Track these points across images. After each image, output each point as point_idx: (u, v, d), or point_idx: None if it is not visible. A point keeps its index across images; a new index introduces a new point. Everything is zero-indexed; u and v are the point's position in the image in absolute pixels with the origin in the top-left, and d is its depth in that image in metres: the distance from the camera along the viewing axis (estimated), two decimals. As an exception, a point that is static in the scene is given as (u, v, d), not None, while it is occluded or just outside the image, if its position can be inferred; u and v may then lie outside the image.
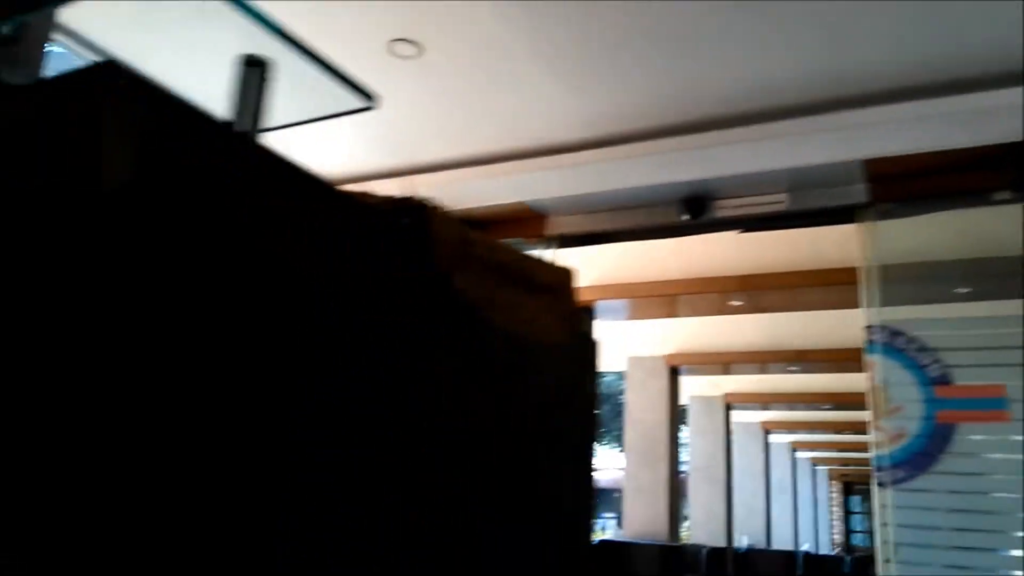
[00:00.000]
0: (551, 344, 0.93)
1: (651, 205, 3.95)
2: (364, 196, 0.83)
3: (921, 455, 3.36)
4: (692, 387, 9.78)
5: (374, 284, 0.78)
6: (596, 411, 1.16)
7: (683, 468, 9.14)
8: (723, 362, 8.19)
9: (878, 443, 3.46)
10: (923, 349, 3.45)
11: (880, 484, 3.42)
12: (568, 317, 0.98)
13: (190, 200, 0.63)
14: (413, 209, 0.80)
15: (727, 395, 10.20)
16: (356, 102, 1.21)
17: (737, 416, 11.16)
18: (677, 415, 8.20)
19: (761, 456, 12.45)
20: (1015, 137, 3.10)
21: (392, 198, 0.84)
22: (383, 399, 0.76)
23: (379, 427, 0.74)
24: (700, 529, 9.69)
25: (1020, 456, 3.19)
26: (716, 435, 10.15)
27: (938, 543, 3.29)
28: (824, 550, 15.55)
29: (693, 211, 3.87)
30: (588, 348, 1.14)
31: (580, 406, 1.11)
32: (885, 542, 3.34)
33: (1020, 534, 3.13)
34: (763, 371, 8.88)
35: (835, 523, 17.75)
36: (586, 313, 1.04)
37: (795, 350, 7.45)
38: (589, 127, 3.49)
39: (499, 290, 0.88)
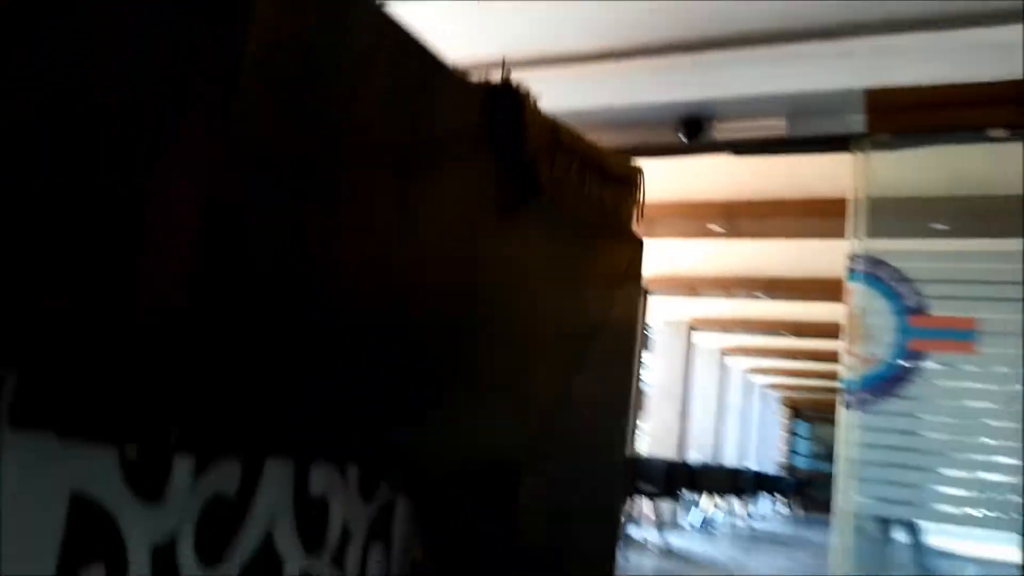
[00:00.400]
0: (620, 235, 0.96)
1: (649, 124, 3.94)
2: (465, 75, 0.84)
3: (889, 380, 3.51)
4: (658, 308, 9.98)
5: (469, 159, 0.80)
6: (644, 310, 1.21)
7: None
8: (693, 286, 8.35)
9: (850, 367, 3.61)
10: (902, 280, 3.56)
11: (847, 406, 3.57)
12: (636, 211, 1.01)
13: (318, 67, 0.63)
14: (511, 93, 0.81)
15: (692, 319, 10.44)
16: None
17: (698, 339, 11.47)
18: (643, 335, 8.39)
19: (717, 379, 12.89)
20: (1017, 75, 3.14)
21: (491, 83, 0.85)
22: (451, 263, 0.78)
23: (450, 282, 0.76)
24: (657, 443, 10.11)
25: (983, 385, 3.37)
26: (677, 357, 10.46)
27: (897, 462, 3.49)
28: (768, 470, 16.32)
29: (691, 132, 3.87)
30: (639, 247, 1.18)
31: (632, 304, 1.15)
32: (848, 460, 3.52)
33: (976, 456, 3.34)
34: (729, 296, 9.08)
35: (781, 446, 18.55)
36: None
37: (765, 278, 7.62)
38: (592, 38, 3.45)
39: (580, 176, 0.91)
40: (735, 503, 11.07)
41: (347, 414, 0.58)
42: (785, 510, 14.34)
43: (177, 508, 0.67)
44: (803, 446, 19.30)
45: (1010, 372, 3.29)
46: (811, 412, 19.07)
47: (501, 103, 0.82)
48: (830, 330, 9.43)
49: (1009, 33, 2.96)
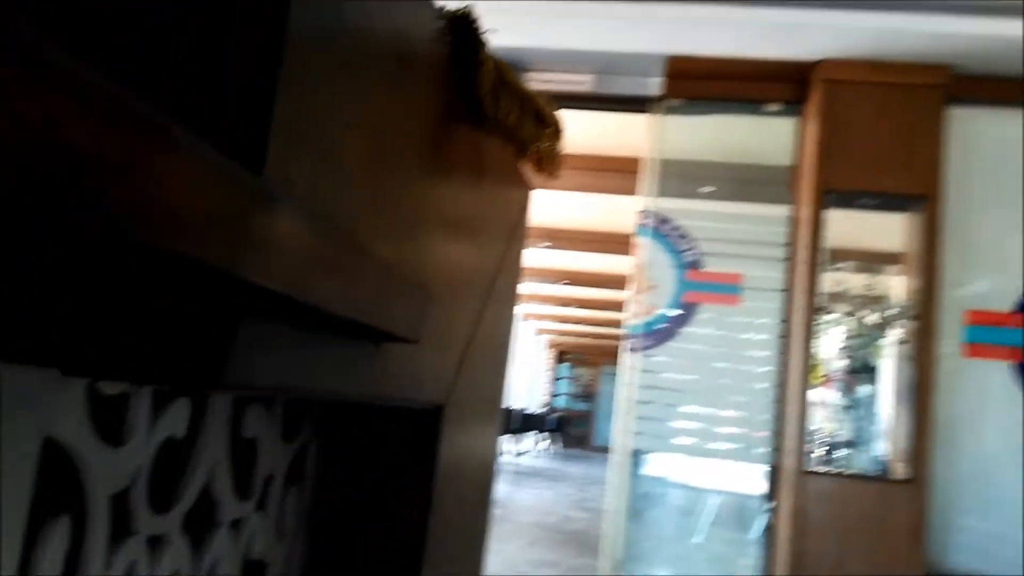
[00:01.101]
0: (520, 180, 0.94)
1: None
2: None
3: (667, 328, 3.84)
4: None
5: (417, 86, 0.74)
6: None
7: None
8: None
9: (634, 314, 3.89)
10: (683, 236, 3.88)
11: (631, 350, 3.86)
12: (557, 159, 1.00)
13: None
14: (471, 25, 0.76)
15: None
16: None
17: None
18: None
19: (494, 323, 13.34)
20: (807, 56, 3.51)
21: (453, 12, 0.79)
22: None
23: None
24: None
25: (745, 335, 3.79)
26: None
27: (670, 401, 3.84)
28: (534, 408, 17.33)
29: (502, 78, 3.90)
30: (529, 194, 1.18)
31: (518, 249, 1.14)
32: (628, 399, 3.82)
33: (736, 398, 3.76)
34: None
35: (546, 385, 19.72)
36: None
37: (548, 228, 7.94)
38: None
39: (521, 118, 0.87)
40: (504, 441, 11.67)
41: (283, 355, 0.51)
42: (547, 446, 15.35)
43: (135, 452, 0.58)
44: (564, 387, 20.72)
45: (769, 323, 3.73)
46: (573, 356, 20.49)
47: (462, 34, 0.76)
48: (600, 280, 10.14)
49: (795, 15, 3.28)
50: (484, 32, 0.81)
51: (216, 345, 0.44)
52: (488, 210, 1.00)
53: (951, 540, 3.34)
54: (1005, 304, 3.47)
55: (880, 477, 3.55)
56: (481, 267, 0.98)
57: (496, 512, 6.27)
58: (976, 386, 3.43)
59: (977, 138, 3.57)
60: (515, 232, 1.11)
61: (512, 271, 1.11)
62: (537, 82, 3.96)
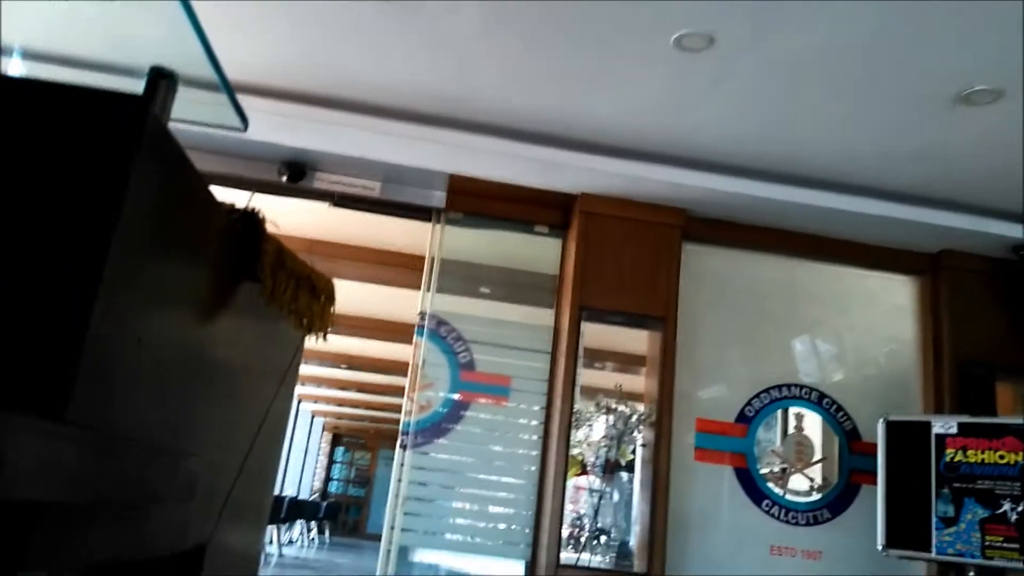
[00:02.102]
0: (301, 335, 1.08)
1: (255, 159, 3.97)
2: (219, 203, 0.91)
3: (439, 425, 4.02)
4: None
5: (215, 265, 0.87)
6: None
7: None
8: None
9: (408, 411, 4.04)
10: (459, 339, 4.13)
11: (403, 446, 3.99)
12: (327, 320, 1.15)
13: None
14: (254, 220, 0.89)
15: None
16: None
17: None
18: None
19: (268, 404, 12.82)
20: (570, 189, 3.97)
21: (238, 209, 0.93)
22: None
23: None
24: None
25: (511, 433, 4.06)
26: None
27: (431, 496, 3.99)
28: (305, 494, 16.63)
29: (293, 175, 4.00)
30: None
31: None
32: (396, 495, 3.92)
33: (499, 494, 3.98)
34: (291, 325, 9.21)
35: (319, 471, 19.03)
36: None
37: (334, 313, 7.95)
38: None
39: (296, 291, 1.01)
40: (271, 531, 11.09)
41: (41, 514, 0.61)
42: (316, 535, 14.75)
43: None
44: (339, 471, 20.13)
45: (533, 423, 4.04)
46: (350, 439, 20.05)
47: (246, 226, 0.90)
48: (380, 365, 10.20)
49: (559, 155, 3.73)
50: (266, 225, 0.96)
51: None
52: (265, 359, 1.13)
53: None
54: (729, 415, 4.03)
55: (623, 571, 3.90)
56: (257, 404, 1.10)
57: (256, 612, 5.96)
58: (705, 486, 3.92)
59: (707, 271, 4.19)
60: (288, 373, 1.24)
61: (285, 401, 1.23)
62: (328, 183, 4.11)
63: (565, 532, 4.21)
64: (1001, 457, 3.25)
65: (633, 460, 4.29)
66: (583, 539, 4.42)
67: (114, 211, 0.65)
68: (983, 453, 3.29)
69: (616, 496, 4.46)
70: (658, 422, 3.80)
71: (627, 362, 6.35)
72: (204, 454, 0.84)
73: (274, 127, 3.73)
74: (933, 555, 3.30)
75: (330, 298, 1.23)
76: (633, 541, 4.03)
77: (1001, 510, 3.19)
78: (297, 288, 1.07)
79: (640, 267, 3.95)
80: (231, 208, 0.92)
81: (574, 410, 3.85)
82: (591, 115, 3.48)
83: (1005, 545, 3.17)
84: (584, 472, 4.62)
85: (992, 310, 4.10)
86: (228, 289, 0.93)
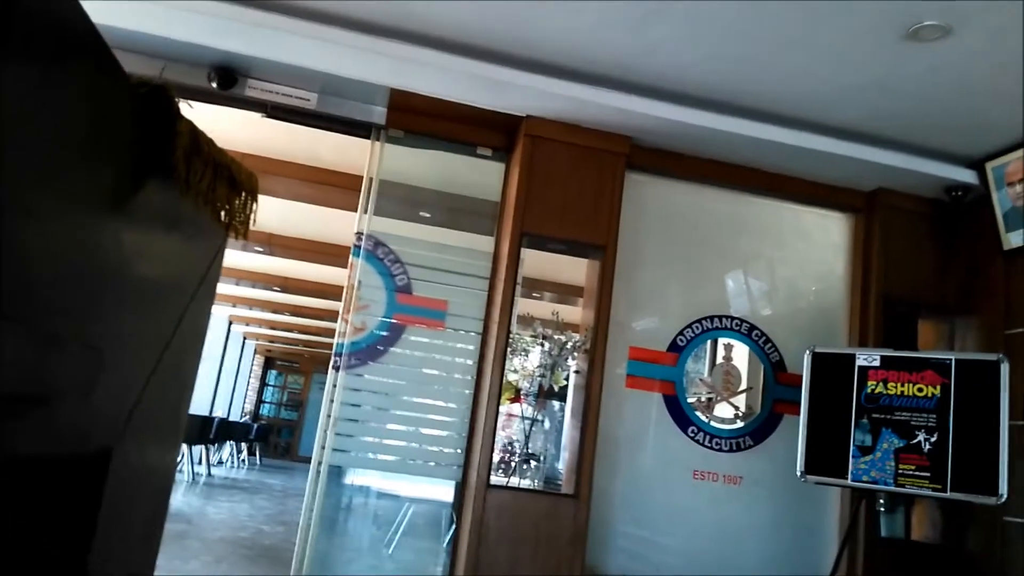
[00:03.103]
0: (219, 232, 1.00)
1: (184, 63, 3.73)
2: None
3: (374, 348, 3.97)
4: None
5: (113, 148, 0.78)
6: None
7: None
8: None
9: (342, 333, 3.97)
10: (396, 261, 4.05)
11: (335, 367, 3.93)
12: (249, 215, 1.07)
13: None
14: (167, 100, 0.80)
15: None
16: None
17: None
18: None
19: (198, 325, 12.56)
20: (515, 111, 3.86)
21: (146, 84, 0.83)
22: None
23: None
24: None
25: (446, 357, 4.04)
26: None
27: (364, 418, 3.97)
28: (235, 416, 16.51)
29: (223, 82, 3.79)
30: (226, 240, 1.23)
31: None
32: (328, 416, 3.88)
33: (432, 416, 3.98)
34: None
35: (251, 394, 18.87)
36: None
37: (267, 233, 7.73)
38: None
39: (215, 183, 0.92)
40: (200, 451, 10.98)
41: None
42: (247, 457, 14.70)
43: None
44: (271, 394, 20.00)
45: (469, 348, 4.02)
46: (283, 362, 19.88)
47: (155, 107, 0.81)
48: (315, 288, 10.03)
49: (505, 73, 3.61)
50: (177, 105, 0.87)
51: None
52: (179, 262, 1.05)
53: (609, 545, 3.85)
54: (662, 344, 4.09)
55: (550, 491, 3.99)
56: (171, 311, 1.02)
57: (182, 528, 5.93)
58: (634, 413, 4.00)
59: (649, 201, 4.18)
60: (206, 279, 1.16)
61: (203, 309, 1.16)
62: (261, 92, 3.90)
63: (497, 457, 4.26)
64: (920, 390, 3.39)
65: (566, 387, 4.34)
66: (514, 464, 4.49)
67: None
68: (903, 386, 3.43)
69: (548, 423, 4.53)
70: (592, 349, 3.83)
71: (566, 292, 6.39)
72: (107, 355, 0.77)
73: (203, 28, 3.50)
74: (848, 481, 3.46)
75: (252, 193, 1.14)
76: (562, 465, 4.11)
77: (916, 440, 3.35)
78: (215, 177, 0.98)
79: (583, 194, 3.91)
80: (139, 82, 0.82)
81: (510, 337, 3.84)
82: (541, 32, 3.36)
83: (917, 473, 3.33)
84: (517, 399, 4.66)
85: (921, 250, 4.22)
86: (137, 177, 0.84)
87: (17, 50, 0.59)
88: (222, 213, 1.06)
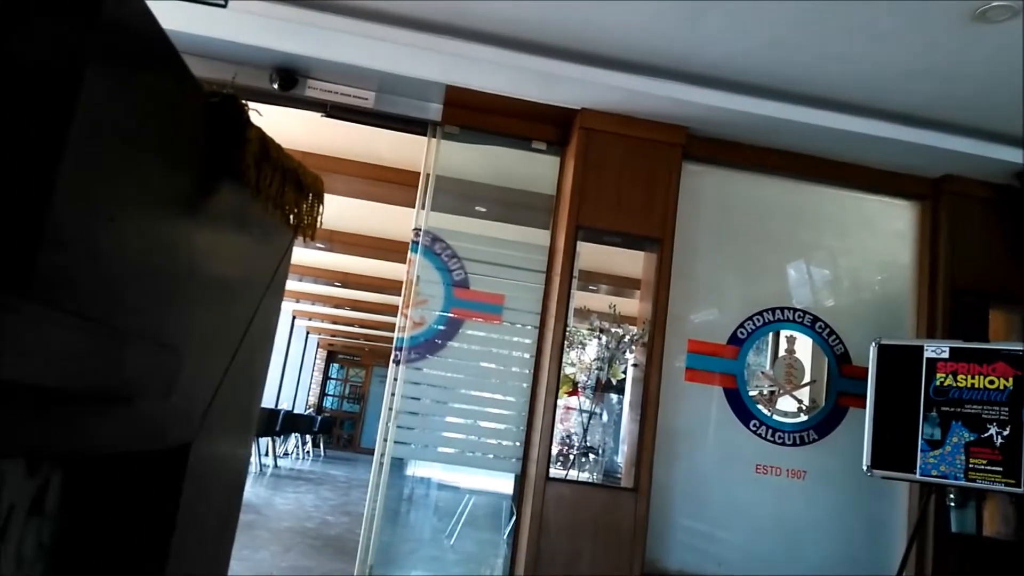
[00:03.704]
0: (290, 236, 1.04)
1: (246, 64, 3.84)
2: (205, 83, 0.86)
3: (433, 342, 4.03)
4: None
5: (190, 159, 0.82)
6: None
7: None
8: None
9: (402, 327, 4.04)
10: (453, 256, 4.10)
11: (396, 362, 4.01)
12: (317, 219, 1.11)
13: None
14: (237, 107, 0.84)
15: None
16: None
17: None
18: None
19: (263, 320, 12.91)
20: (570, 104, 3.87)
21: (218, 93, 0.87)
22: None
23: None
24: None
25: (504, 351, 4.07)
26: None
27: (424, 411, 4.04)
28: (300, 409, 16.92)
29: (284, 83, 3.89)
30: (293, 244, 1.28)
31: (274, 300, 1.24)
32: (390, 408, 3.96)
33: (491, 410, 4.03)
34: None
35: (314, 387, 19.29)
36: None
37: (328, 229, 7.90)
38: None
39: (284, 187, 0.97)
40: (267, 443, 11.30)
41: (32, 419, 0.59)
42: (312, 448, 15.05)
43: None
44: (334, 387, 20.41)
45: (526, 341, 4.05)
46: (345, 356, 20.27)
47: (226, 114, 0.85)
48: (375, 283, 10.20)
49: (559, 67, 3.61)
50: (248, 112, 0.91)
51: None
52: (250, 262, 1.09)
53: (669, 540, 3.84)
54: (721, 337, 4.05)
55: (609, 484, 3.99)
56: (242, 309, 1.07)
57: (251, 519, 6.12)
58: (694, 406, 3.97)
59: (706, 192, 4.13)
60: (275, 278, 1.21)
61: (272, 307, 1.21)
62: (320, 92, 3.99)
63: (556, 450, 4.28)
64: (991, 382, 3.28)
65: (624, 380, 4.32)
66: (572, 457, 4.50)
67: (72, 88, 0.60)
68: (973, 378, 3.32)
69: (605, 416, 4.52)
70: (650, 342, 3.81)
71: (622, 285, 6.36)
72: (184, 353, 0.81)
73: (265, 30, 3.60)
74: (917, 476, 3.37)
75: (318, 196, 1.19)
76: (621, 458, 4.10)
77: (987, 434, 3.24)
78: (283, 182, 1.02)
79: (638, 186, 3.89)
80: (211, 91, 0.87)
81: (567, 330, 3.86)
82: (594, 25, 3.35)
83: (988, 468, 3.23)
84: (575, 392, 4.67)
85: (990, 237, 4.07)
86: (209, 181, 0.88)
87: (98, 57, 0.63)
88: (290, 216, 1.10)
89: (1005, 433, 3.21)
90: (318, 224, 1.17)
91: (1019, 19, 2.87)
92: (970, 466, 3.26)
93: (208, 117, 0.85)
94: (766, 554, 3.85)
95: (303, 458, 13.99)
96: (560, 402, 4.57)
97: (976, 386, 3.31)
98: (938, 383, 3.39)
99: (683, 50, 3.46)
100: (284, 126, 4.95)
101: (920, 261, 4.17)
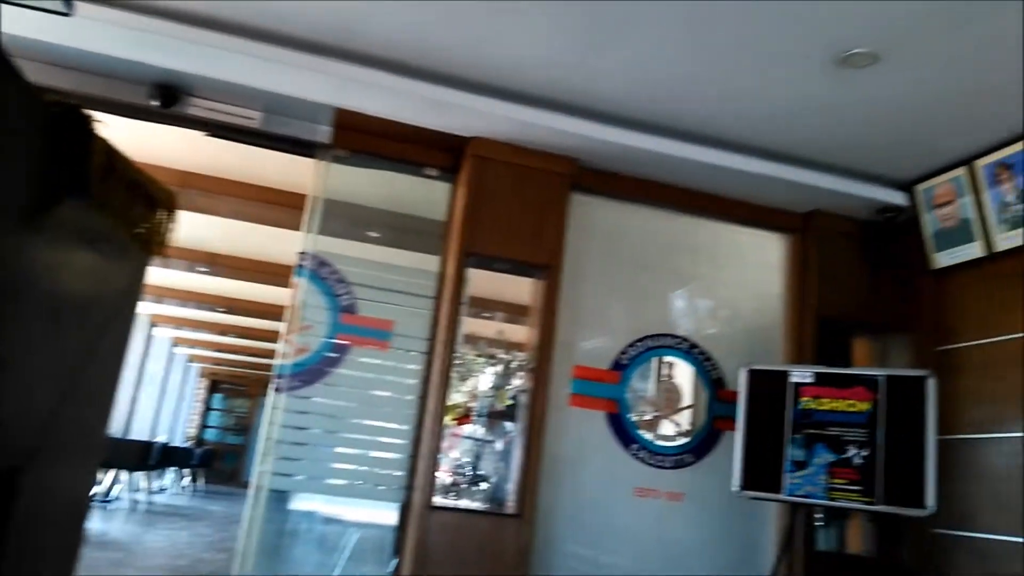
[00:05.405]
0: (144, 250, 0.99)
1: (123, 79, 3.68)
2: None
3: (317, 368, 3.93)
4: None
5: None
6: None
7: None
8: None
9: (284, 354, 3.92)
10: (341, 281, 4.03)
11: (277, 389, 3.88)
12: (167, 232, 1.06)
13: None
14: (81, 118, 0.79)
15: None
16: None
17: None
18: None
19: (141, 347, 12.27)
20: (462, 131, 3.89)
21: (60, 103, 0.83)
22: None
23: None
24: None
25: (391, 377, 4.01)
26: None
27: (310, 441, 3.92)
28: (178, 441, 16.08)
29: (165, 100, 3.74)
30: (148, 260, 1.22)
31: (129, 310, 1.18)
32: (268, 439, 3.81)
33: (376, 438, 3.95)
34: (164, 266, 8.78)
35: (195, 417, 18.41)
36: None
37: (209, 252, 7.61)
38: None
39: (132, 202, 0.92)
40: (140, 477, 10.66)
41: None
42: (190, 483, 14.31)
43: None
44: (216, 418, 19.54)
45: (414, 368, 4.00)
46: (229, 385, 19.46)
47: (69, 125, 0.80)
48: (261, 309, 9.88)
49: (450, 95, 3.63)
50: (93, 123, 0.87)
51: None
52: (98, 280, 1.03)
53: (555, 565, 3.85)
54: (605, 363, 4.13)
55: (493, 511, 3.98)
56: (87, 330, 1.01)
57: (117, 557, 5.74)
58: (579, 431, 4.02)
59: (594, 222, 4.24)
60: (128, 297, 1.15)
61: (124, 329, 1.14)
62: (203, 110, 3.86)
63: (448, 480, 4.24)
64: (851, 405, 3.49)
65: (513, 407, 4.34)
66: (463, 485, 4.46)
67: None
68: (834, 402, 3.53)
69: (500, 445, 4.52)
70: (537, 368, 3.85)
71: (515, 312, 6.41)
72: (12, 371, 0.76)
73: (144, 45, 3.46)
74: (783, 496, 3.54)
75: (170, 211, 1.14)
76: (512, 485, 4.10)
77: (847, 455, 3.44)
78: (132, 196, 0.97)
79: (528, 215, 3.95)
80: (52, 102, 0.82)
81: (456, 358, 3.84)
82: (488, 55, 3.40)
83: (848, 487, 3.42)
84: (465, 419, 4.65)
85: (855, 270, 4.36)
86: (47, 193, 0.83)
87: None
88: (138, 231, 1.05)
89: (863, 454, 3.41)
90: (167, 241, 1.12)
91: (879, 65, 3.10)
92: (832, 486, 3.45)
93: (49, 127, 0.80)
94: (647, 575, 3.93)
95: (180, 493, 13.28)
96: (453, 430, 4.53)
97: (837, 409, 3.52)
98: (802, 407, 3.59)
99: (573, 84, 3.55)
100: (165, 144, 4.76)
101: (790, 291, 4.41)
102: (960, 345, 3.85)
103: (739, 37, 3.05)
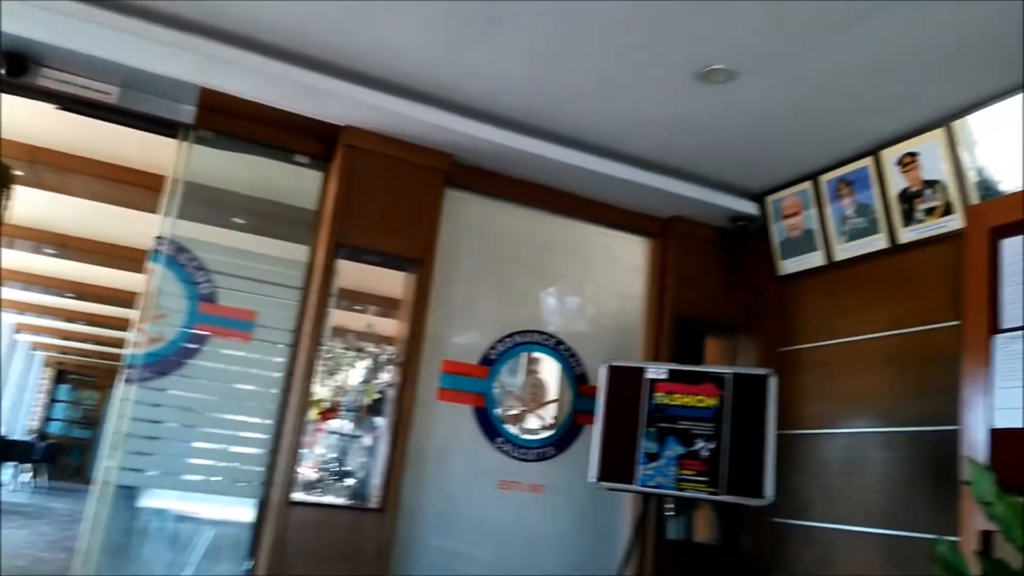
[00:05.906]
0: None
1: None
2: None
3: (171, 359, 3.75)
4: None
5: None
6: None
7: None
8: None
9: (136, 343, 3.72)
10: (200, 268, 3.86)
11: (128, 381, 3.68)
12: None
13: None
14: None
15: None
16: None
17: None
18: None
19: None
20: (334, 119, 3.81)
21: None
22: None
23: None
24: None
25: (253, 370, 3.89)
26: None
27: (162, 436, 3.73)
28: (19, 435, 14.92)
29: (12, 69, 3.46)
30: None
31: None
32: (117, 432, 3.61)
33: (235, 432, 3.82)
34: (9, 246, 8.14)
35: (38, 409, 17.13)
36: None
37: (58, 234, 7.11)
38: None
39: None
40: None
41: None
42: (31, 479, 13.31)
43: None
44: (61, 411, 18.23)
45: (277, 361, 3.89)
46: (77, 376, 18.20)
47: None
48: (114, 296, 9.31)
49: (323, 81, 3.55)
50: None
51: None
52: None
53: (418, 559, 3.85)
54: (474, 357, 4.18)
55: (355, 506, 3.94)
56: None
57: (-59, 561, 5.27)
58: (446, 426, 4.04)
59: (467, 218, 4.27)
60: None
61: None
62: (55, 82, 3.60)
63: (313, 476, 4.16)
64: (700, 401, 3.71)
65: (381, 401, 4.32)
66: (329, 481, 4.39)
67: None
68: (685, 397, 3.74)
69: (368, 440, 4.48)
70: (406, 362, 3.84)
71: (386, 305, 6.35)
72: None
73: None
74: (636, 487, 3.72)
75: (6, 186, 1.06)
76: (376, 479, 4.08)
77: (695, 448, 3.65)
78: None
79: (402, 208, 3.93)
80: None
81: (324, 351, 3.78)
82: (359, 42, 3.34)
83: (696, 478, 3.63)
84: (330, 413, 4.58)
85: (710, 274, 4.62)
86: None
87: None
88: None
89: (710, 447, 3.63)
90: (3, 218, 1.05)
91: (735, 82, 3.28)
92: (681, 477, 3.65)
93: None
94: (509, 567, 4.00)
95: (20, 490, 12.34)
96: (320, 424, 4.45)
97: (688, 404, 3.72)
98: (656, 401, 3.78)
99: (445, 79, 3.56)
100: (12, 116, 4.39)
101: (650, 292, 4.61)
102: (800, 347, 4.16)
103: (606, 47, 3.15)
